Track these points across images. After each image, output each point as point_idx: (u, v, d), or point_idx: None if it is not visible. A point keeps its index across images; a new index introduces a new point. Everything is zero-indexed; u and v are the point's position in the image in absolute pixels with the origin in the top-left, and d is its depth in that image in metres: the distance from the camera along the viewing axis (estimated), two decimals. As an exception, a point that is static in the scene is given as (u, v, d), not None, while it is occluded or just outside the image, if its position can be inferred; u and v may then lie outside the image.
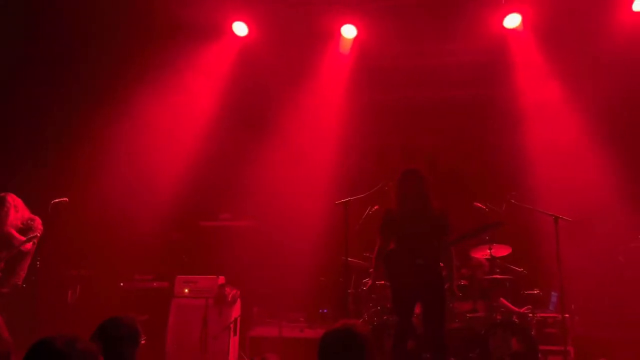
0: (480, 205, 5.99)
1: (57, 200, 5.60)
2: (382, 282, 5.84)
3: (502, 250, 6.15)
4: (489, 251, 6.02)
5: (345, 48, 7.24)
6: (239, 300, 6.72)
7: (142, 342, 3.18)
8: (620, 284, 6.42)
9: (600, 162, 6.93)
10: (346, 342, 2.46)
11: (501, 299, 6.00)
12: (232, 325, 6.43)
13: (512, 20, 6.80)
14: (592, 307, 6.43)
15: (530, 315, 6.06)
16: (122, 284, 6.99)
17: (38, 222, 5.45)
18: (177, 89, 7.19)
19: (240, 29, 7.15)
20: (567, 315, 5.53)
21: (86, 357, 1.97)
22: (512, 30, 6.90)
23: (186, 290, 6.61)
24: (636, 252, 6.29)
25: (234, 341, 6.56)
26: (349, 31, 7.07)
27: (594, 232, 6.48)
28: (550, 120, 7.13)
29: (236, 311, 6.65)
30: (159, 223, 7.25)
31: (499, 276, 5.95)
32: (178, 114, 7.31)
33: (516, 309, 5.96)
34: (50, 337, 1.99)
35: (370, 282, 5.01)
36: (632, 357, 5.97)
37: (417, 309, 4.99)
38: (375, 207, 5.97)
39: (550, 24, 6.69)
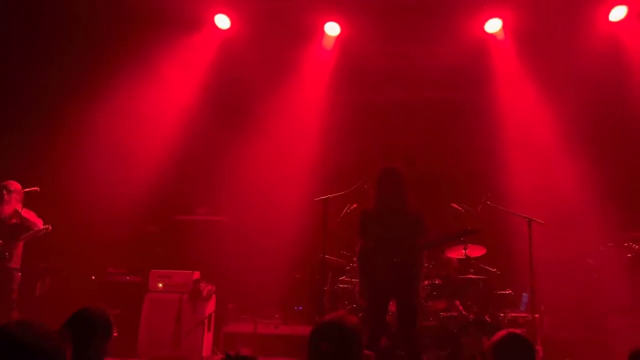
0: (457, 206, 6.07)
1: (27, 189, 5.50)
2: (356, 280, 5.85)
3: (476, 251, 6.26)
4: (464, 251, 6.13)
5: (328, 45, 7.22)
6: (214, 296, 6.69)
7: (115, 334, 3.11)
8: (588, 287, 6.56)
9: (574, 167, 7.07)
10: (337, 334, 2.47)
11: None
12: (206, 321, 6.39)
13: (493, 25, 6.87)
14: (561, 308, 6.57)
15: (502, 314, 6.13)
16: (93, 277, 6.85)
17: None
18: (156, 80, 7.11)
19: (222, 21, 7.09)
20: (537, 315, 5.64)
21: (46, 342, 1.87)
22: (493, 35, 6.97)
23: (160, 285, 6.53)
24: (605, 255, 6.44)
25: (207, 337, 6.52)
26: (332, 29, 7.05)
27: (566, 235, 6.60)
28: (526, 125, 7.25)
29: (211, 307, 6.62)
30: (134, 215, 7.17)
31: (473, 276, 6.07)
32: (157, 106, 7.22)
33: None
34: (6, 322, 1.90)
35: (357, 289, 4.97)
36: (596, 358, 6.13)
37: (392, 307, 5.00)
38: (354, 206, 6.00)
39: (529, 31, 6.81)
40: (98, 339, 3.00)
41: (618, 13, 6.60)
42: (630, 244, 5.68)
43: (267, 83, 7.52)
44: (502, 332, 2.93)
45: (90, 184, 6.95)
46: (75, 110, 6.96)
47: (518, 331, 3.00)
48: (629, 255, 5.70)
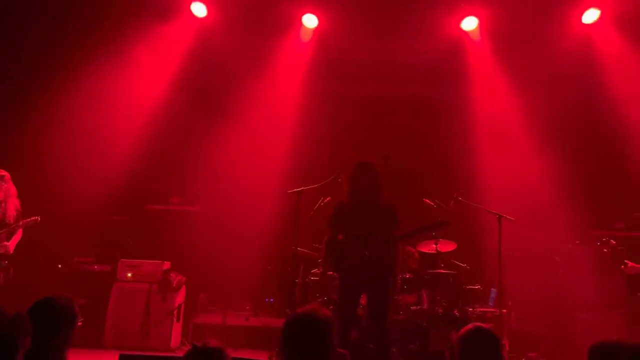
0: (429, 201, 6.10)
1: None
2: (330, 273, 5.84)
3: (447, 246, 6.31)
4: (435, 246, 6.17)
5: (306, 37, 7.17)
6: (184, 287, 6.62)
7: (79, 323, 3.04)
8: (554, 283, 6.68)
9: (545, 165, 7.17)
10: (310, 328, 2.51)
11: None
12: (175, 312, 6.33)
13: (469, 23, 6.91)
14: (528, 304, 6.67)
15: (471, 309, 6.21)
16: (60, 266, 6.69)
17: None
18: (130, 68, 7.00)
19: (198, 9, 6.97)
20: (504, 310, 5.72)
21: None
22: (469, 33, 7.02)
23: (129, 275, 6.44)
24: (571, 252, 6.56)
25: (176, 328, 6.45)
26: (310, 20, 7.00)
27: (534, 232, 6.70)
28: (499, 123, 7.33)
29: (180, 297, 6.56)
30: (104, 204, 7.03)
31: (443, 270, 6.12)
32: (130, 93, 7.10)
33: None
34: None
35: (320, 271, 4.97)
36: (561, 352, 6.26)
37: (363, 300, 5.01)
38: (328, 199, 5.99)
39: (504, 30, 6.89)
40: (62, 328, 2.92)
41: (591, 16, 6.71)
42: (607, 239, 5.78)
43: (243, 73, 7.45)
44: (469, 326, 2.96)
45: (61, 171, 6.79)
46: (45, 97, 6.80)
47: (485, 325, 3.03)
48: (606, 250, 5.79)
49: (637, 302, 5.57)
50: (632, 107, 6.86)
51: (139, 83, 7.13)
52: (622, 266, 5.50)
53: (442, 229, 6.03)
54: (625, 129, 6.98)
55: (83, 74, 6.80)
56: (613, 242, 5.74)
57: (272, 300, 7.19)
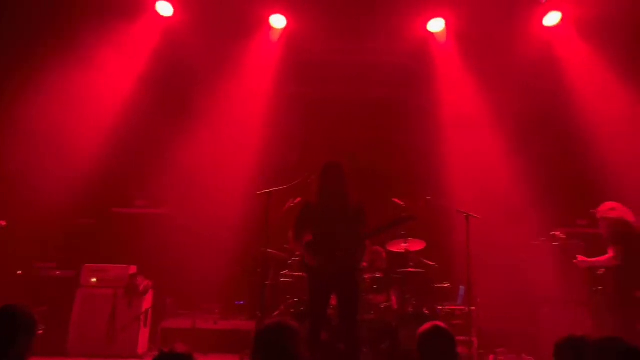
0: (398, 201, 6.12)
1: None
2: (301, 274, 5.82)
3: (416, 245, 6.36)
4: (404, 245, 6.21)
5: (274, 38, 7.14)
6: (151, 291, 6.52)
7: (40, 332, 2.93)
8: (521, 280, 6.79)
9: (511, 165, 7.30)
10: (279, 335, 2.65)
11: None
12: (142, 317, 6.19)
13: (436, 25, 6.97)
14: (496, 301, 6.78)
15: (440, 307, 6.26)
16: (19, 273, 6.46)
17: None
18: (94, 68, 6.82)
19: (164, 8, 6.84)
20: (473, 308, 5.78)
21: None
22: (436, 35, 7.09)
23: (94, 280, 6.27)
24: (536, 250, 6.67)
25: (144, 333, 6.32)
26: (278, 21, 6.96)
27: (502, 230, 6.80)
28: (466, 124, 7.44)
29: (148, 302, 6.45)
30: (68, 207, 6.85)
31: (412, 269, 6.16)
32: (95, 93, 6.93)
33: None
34: None
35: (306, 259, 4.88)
36: (528, 347, 6.39)
37: (333, 301, 4.99)
38: (298, 200, 5.95)
39: (470, 32, 7.00)
40: (21, 337, 2.81)
41: (552, 18, 6.85)
42: (556, 233, 5.89)
43: (211, 73, 7.38)
44: (427, 325, 3.04)
45: (22, 174, 6.59)
46: (6, 98, 6.60)
47: (442, 324, 3.10)
48: (555, 243, 5.91)
49: (597, 297, 5.70)
50: (593, 108, 7.03)
51: (104, 83, 6.97)
52: (574, 260, 5.60)
53: (411, 228, 6.11)
54: (588, 129, 7.14)
55: (45, 75, 6.62)
56: (562, 236, 5.86)
57: (242, 302, 7.12)
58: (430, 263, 6.50)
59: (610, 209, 5.50)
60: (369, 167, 8.00)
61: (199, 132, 7.29)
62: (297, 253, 5.74)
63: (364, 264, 6.23)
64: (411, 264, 6.27)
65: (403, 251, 6.28)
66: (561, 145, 7.69)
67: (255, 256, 6.45)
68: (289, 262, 6.33)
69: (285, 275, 6.30)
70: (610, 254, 5.39)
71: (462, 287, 6.60)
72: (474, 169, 7.21)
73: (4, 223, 5.51)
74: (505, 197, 7.10)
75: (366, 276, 6.14)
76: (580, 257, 5.59)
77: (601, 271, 5.66)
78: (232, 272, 7.16)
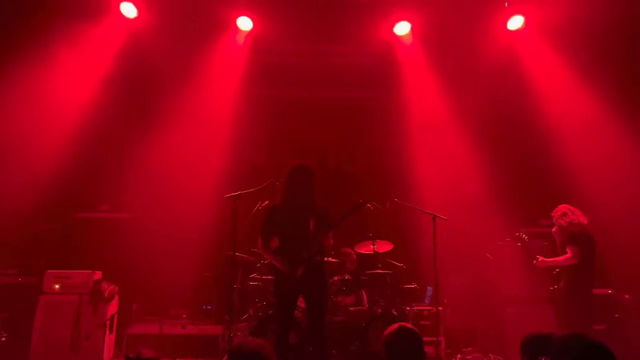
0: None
1: None
2: (269, 277, 5.83)
3: (384, 246, 6.45)
4: (372, 247, 6.28)
5: (241, 40, 7.12)
6: (117, 297, 6.42)
7: (3, 339, 2.88)
8: (487, 280, 6.93)
9: (477, 166, 7.43)
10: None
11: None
12: (108, 323, 6.09)
13: (402, 28, 7.05)
14: (463, 301, 6.89)
15: (408, 308, 6.35)
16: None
17: None
18: (57, 69, 6.68)
19: (128, 10, 6.75)
20: (440, 308, 5.88)
21: None
22: (401, 37, 7.17)
23: (57, 286, 6.14)
24: (501, 250, 6.79)
25: (109, 339, 6.22)
26: (244, 23, 6.95)
27: (468, 231, 6.90)
28: (432, 125, 7.53)
29: (113, 308, 6.35)
30: (29, 211, 6.67)
31: (380, 271, 6.22)
32: (57, 95, 6.78)
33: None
34: None
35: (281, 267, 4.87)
36: (495, 346, 6.52)
37: (302, 303, 5.02)
38: (266, 203, 5.99)
39: (435, 34, 7.07)
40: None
41: (516, 22, 7.00)
42: (520, 233, 6.05)
43: (177, 75, 7.30)
44: (393, 326, 3.09)
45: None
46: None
47: (408, 325, 3.17)
48: (518, 244, 6.07)
49: (555, 296, 5.87)
50: (557, 109, 7.21)
51: (67, 85, 6.83)
52: (534, 261, 5.77)
53: (379, 230, 6.32)
54: (551, 130, 7.30)
55: (5, 76, 6.43)
56: (524, 236, 6.02)
57: (209, 307, 7.06)
58: (398, 264, 6.59)
59: (563, 212, 5.73)
60: (336, 168, 8.08)
61: (166, 135, 7.21)
62: (267, 261, 5.73)
63: (332, 260, 6.31)
64: (379, 265, 6.36)
65: (372, 253, 6.36)
66: (525, 146, 7.84)
67: (223, 260, 6.42)
68: (258, 265, 6.35)
69: (253, 279, 6.30)
70: (568, 254, 5.59)
71: (429, 288, 6.71)
72: (442, 170, 7.30)
73: None
74: (471, 198, 7.21)
75: (335, 278, 6.22)
76: (540, 258, 5.74)
77: (556, 271, 5.82)
78: (201, 277, 7.12)
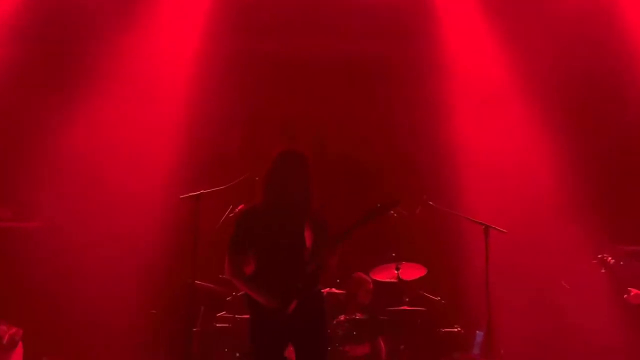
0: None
1: None
2: (245, 315, 5.78)
3: (413, 271, 6.41)
4: (396, 272, 6.26)
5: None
6: (20, 344, 6.39)
7: None
8: (560, 321, 6.92)
9: (549, 159, 7.39)
10: None
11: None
12: (7, 383, 6.08)
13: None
14: (528, 352, 6.84)
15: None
16: None
17: None
18: None
19: None
20: (495, 361, 5.87)
21: None
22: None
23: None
24: (585, 277, 6.72)
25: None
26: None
27: (535, 250, 6.92)
28: (485, 97, 7.52)
29: (16, 359, 6.33)
30: None
31: (407, 307, 6.22)
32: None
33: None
34: None
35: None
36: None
37: (291, 354, 4.96)
38: (240, 207, 5.88)
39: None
40: None
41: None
42: (604, 256, 6.06)
43: (109, 25, 7.32)
44: None
45: None
46: None
47: None
48: (603, 271, 6.10)
49: None
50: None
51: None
52: (625, 295, 5.76)
53: (406, 248, 6.21)
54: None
55: None
56: (610, 259, 6.00)
57: (156, 361, 7.08)
58: (434, 298, 6.57)
59: None
60: (341, 157, 8.07)
61: (93, 110, 7.26)
62: (240, 292, 5.67)
63: (337, 291, 6.28)
64: (406, 299, 6.33)
65: (395, 281, 6.34)
66: (620, 131, 7.77)
67: (177, 291, 6.45)
68: (228, 298, 6.31)
69: (222, 319, 6.27)
70: None
71: (479, 333, 6.65)
72: (497, 163, 7.30)
73: None
74: (540, 202, 7.21)
75: (341, 318, 6.19)
76: (633, 291, 5.72)
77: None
78: (144, 315, 7.08)
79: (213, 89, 7.58)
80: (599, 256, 6.12)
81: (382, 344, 6.35)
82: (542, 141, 7.45)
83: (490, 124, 7.46)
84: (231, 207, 5.97)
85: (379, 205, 4.57)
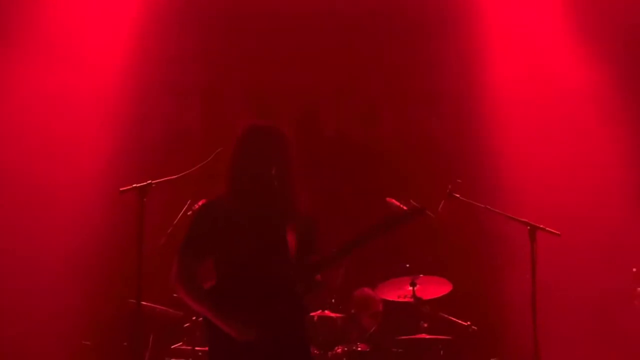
0: (395, 202, 6.04)
1: None
2: (205, 347, 5.66)
3: (434, 288, 6.41)
4: (411, 289, 6.25)
5: None
6: None
7: None
8: (636, 351, 6.89)
9: (613, 145, 7.46)
10: None
11: None
12: None
13: None
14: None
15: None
16: None
17: None
18: None
19: None
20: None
21: None
22: None
23: None
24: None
25: None
26: None
27: (599, 258, 6.98)
28: (537, 63, 7.66)
29: None
30: None
31: (427, 335, 6.17)
32: None
33: None
34: None
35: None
36: None
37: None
38: (202, 202, 5.84)
39: None
40: None
41: None
42: None
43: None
44: None
45: None
46: None
47: None
48: None
49: None
50: None
51: None
52: None
53: (424, 255, 6.23)
54: None
55: None
56: None
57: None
58: (462, 322, 6.56)
59: None
60: (338, 135, 8.08)
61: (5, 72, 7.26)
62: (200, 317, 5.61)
63: (332, 315, 6.30)
64: (425, 324, 6.29)
65: (410, 301, 6.35)
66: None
67: (118, 316, 6.48)
68: (186, 325, 6.31)
69: (177, 352, 6.28)
70: None
71: (523, 368, 6.65)
72: (546, 147, 7.42)
73: None
74: (603, 198, 7.28)
75: (338, 350, 6.15)
76: None
77: None
78: (76, 347, 7.04)
79: (162, 42, 7.68)
80: None
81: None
82: (606, 123, 7.52)
83: (540, 98, 7.61)
84: (189, 202, 6.00)
85: (403, 212, 4.57)
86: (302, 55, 8.12)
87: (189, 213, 5.95)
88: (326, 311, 6.32)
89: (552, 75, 7.64)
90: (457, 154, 7.60)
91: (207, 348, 5.40)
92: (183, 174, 5.40)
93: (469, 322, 6.54)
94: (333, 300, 6.43)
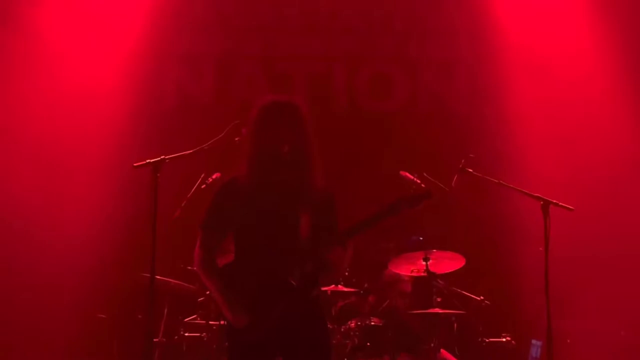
0: (409, 175, 6.14)
1: None
2: (221, 322, 5.80)
3: (447, 263, 6.41)
4: (424, 263, 6.26)
5: None
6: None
7: None
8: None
9: (628, 113, 7.48)
10: None
11: (442, 350, 6.26)
12: None
13: None
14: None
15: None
16: None
17: None
18: None
19: None
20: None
21: None
22: None
23: None
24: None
25: None
26: None
27: (610, 233, 6.97)
28: (550, 30, 7.66)
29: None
30: None
31: (440, 310, 6.22)
32: None
33: None
34: None
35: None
36: None
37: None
38: (216, 176, 6.02)
39: None
40: None
41: None
42: None
43: None
44: None
45: None
46: None
47: None
48: None
49: None
50: None
51: None
52: None
53: (436, 230, 6.29)
54: None
55: None
56: None
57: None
58: (476, 297, 6.61)
59: None
60: (354, 108, 8.09)
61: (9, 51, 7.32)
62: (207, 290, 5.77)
63: (344, 289, 6.36)
64: (438, 299, 6.35)
65: (423, 275, 6.35)
66: None
67: (132, 289, 6.54)
68: (200, 300, 6.37)
69: (191, 326, 6.34)
70: None
71: (535, 342, 6.69)
72: (560, 119, 7.42)
73: None
74: (619, 171, 7.31)
75: (352, 324, 6.23)
76: None
77: None
78: (89, 321, 7.16)
79: (173, 18, 7.69)
80: None
81: (406, 359, 6.40)
82: (622, 93, 7.53)
83: (557, 69, 7.61)
84: (203, 175, 6.05)
85: (410, 195, 4.57)
86: (315, 23, 8.09)
87: (202, 186, 6.03)
88: (339, 285, 6.36)
89: (566, 41, 7.62)
90: (469, 127, 7.61)
91: (222, 321, 5.56)
92: (197, 149, 5.39)
93: (481, 297, 6.58)
94: (347, 274, 6.44)
